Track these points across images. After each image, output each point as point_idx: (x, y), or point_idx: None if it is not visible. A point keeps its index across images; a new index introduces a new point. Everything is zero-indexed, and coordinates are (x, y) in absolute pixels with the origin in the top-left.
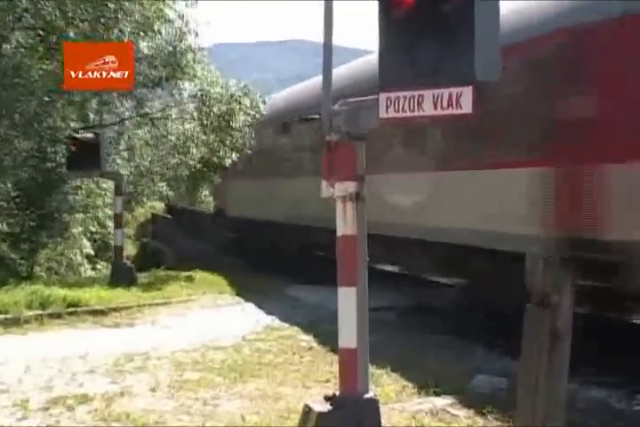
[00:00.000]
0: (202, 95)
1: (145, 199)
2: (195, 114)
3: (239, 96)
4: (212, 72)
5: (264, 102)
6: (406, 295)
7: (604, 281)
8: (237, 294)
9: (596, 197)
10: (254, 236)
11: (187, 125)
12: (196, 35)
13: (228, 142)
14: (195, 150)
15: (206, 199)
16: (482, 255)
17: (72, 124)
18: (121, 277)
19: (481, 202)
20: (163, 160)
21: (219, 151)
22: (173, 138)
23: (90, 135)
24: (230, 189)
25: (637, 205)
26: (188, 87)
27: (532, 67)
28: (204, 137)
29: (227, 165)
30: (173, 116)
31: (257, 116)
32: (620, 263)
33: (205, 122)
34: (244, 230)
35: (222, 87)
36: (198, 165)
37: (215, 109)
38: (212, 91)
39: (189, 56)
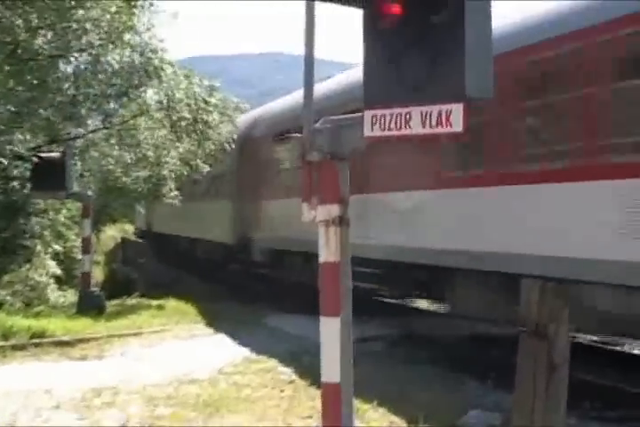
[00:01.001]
0: (169, 100)
1: (116, 218)
2: (164, 121)
3: (206, 95)
4: (177, 75)
5: (238, 109)
6: (394, 324)
7: None
8: (213, 324)
9: None
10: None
11: (156, 133)
12: (161, 41)
13: (203, 148)
14: (166, 160)
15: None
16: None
17: (37, 140)
18: (89, 305)
19: None
20: (133, 173)
21: (193, 160)
22: (143, 149)
23: (55, 154)
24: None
25: None
26: (155, 97)
27: None
28: (177, 144)
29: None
30: (142, 126)
31: (231, 114)
32: None
33: (176, 127)
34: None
35: (187, 88)
36: (172, 176)
37: (184, 113)
38: (177, 95)
39: (156, 62)
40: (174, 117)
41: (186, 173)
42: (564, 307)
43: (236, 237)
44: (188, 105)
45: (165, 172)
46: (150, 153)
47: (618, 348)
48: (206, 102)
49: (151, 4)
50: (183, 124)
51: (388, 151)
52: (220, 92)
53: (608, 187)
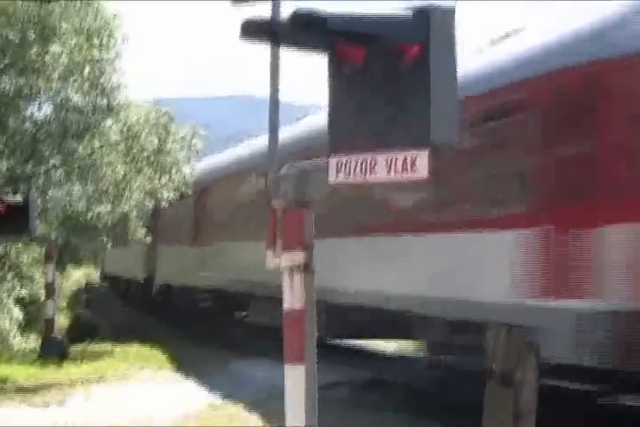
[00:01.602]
0: (128, 130)
1: (81, 261)
2: (124, 154)
3: (165, 124)
4: (136, 107)
5: (198, 135)
6: (359, 369)
7: None
8: (177, 369)
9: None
10: (190, 304)
11: (117, 167)
12: (122, 73)
13: (164, 180)
14: (128, 194)
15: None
16: None
17: None
18: (52, 351)
19: None
20: (94, 210)
21: (155, 192)
22: (105, 185)
23: (18, 197)
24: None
25: None
26: (114, 127)
27: None
28: (138, 177)
29: (165, 205)
30: (103, 162)
31: (192, 144)
32: None
33: (136, 158)
34: (179, 299)
35: (145, 117)
36: (134, 211)
37: (144, 142)
38: (136, 125)
39: (120, 97)
40: (135, 149)
41: (150, 205)
42: (529, 354)
43: (143, 276)
44: (149, 134)
45: (127, 207)
46: (111, 188)
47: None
48: (167, 130)
49: (110, 37)
50: (145, 154)
51: None
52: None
53: None
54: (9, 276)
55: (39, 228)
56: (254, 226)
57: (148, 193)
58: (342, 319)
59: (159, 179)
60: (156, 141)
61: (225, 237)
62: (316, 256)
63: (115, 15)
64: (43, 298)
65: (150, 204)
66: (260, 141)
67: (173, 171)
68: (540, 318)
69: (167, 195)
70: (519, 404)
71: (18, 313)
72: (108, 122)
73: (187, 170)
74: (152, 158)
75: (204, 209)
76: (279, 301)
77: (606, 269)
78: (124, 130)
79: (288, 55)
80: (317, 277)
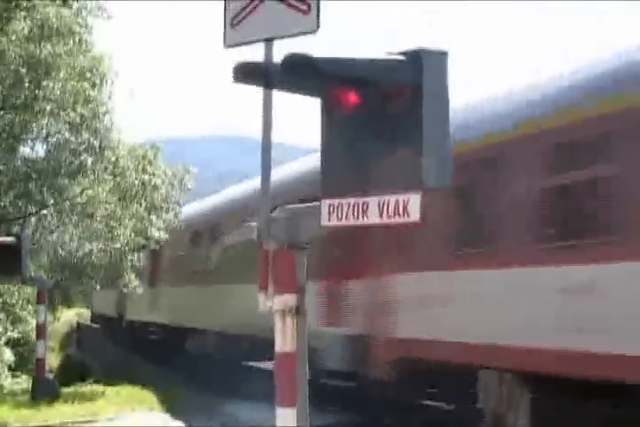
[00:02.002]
0: (114, 167)
1: (70, 301)
2: (113, 191)
3: (151, 158)
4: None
5: (188, 172)
6: (351, 412)
7: None
8: (170, 411)
9: None
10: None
11: (107, 206)
12: (110, 113)
13: (154, 218)
14: (119, 231)
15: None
16: None
17: None
18: (43, 391)
19: None
20: (85, 249)
21: (146, 230)
22: (95, 222)
23: (10, 238)
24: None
25: None
26: (101, 165)
27: None
28: (127, 214)
29: (156, 246)
30: (93, 200)
31: (181, 182)
32: None
33: (125, 195)
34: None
35: (131, 153)
36: (125, 249)
37: (131, 178)
38: (121, 161)
39: (114, 137)
40: (122, 185)
41: (142, 243)
42: (522, 398)
43: (117, 314)
44: (136, 170)
45: (118, 245)
46: (101, 226)
47: None
48: (152, 164)
49: (102, 77)
50: (134, 190)
51: None
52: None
53: None
54: (0, 317)
55: (30, 269)
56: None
57: (139, 232)
58: None
59: (149, 217)
60: (143, 176)
61: (165, 281)
62: None
63: (103, 55)
64: (34, 339)
65: (141, 242)
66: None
67: (163, 209)
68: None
69: (158, 234)
70: None
71: (9, 355)
72: (90, 160)
73: (177, 208)
74: (141, 194)
75: (156, 256)
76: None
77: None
78: (111, 167)
79: (281, 96)
80: None
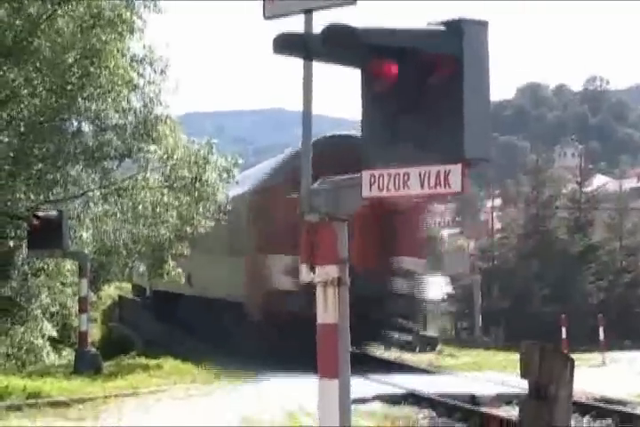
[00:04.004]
0: (168, 158)
1: (113, 278)
2: (162, 180)
3: (205, 155)
4: (176, 134)
5: (237, 165)
6: (392, 383)
7: None
8: (210, 384)
9: None
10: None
11: (156, 193)
12: (161, 104)
13: (200, 207)
14: (166, 218)
15: (174, 272)
16: None
17: (33, 198)
18: (85, 365)
19: None
20: (131, 233)
21: (192, 219)
22: (142, 208)
23: (52, 212)
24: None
25: None
26: (155, 154)
27: None
28: (175, 203)
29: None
30: (141, 185)
31: (229, 174)
32: None
33: (175, 186)
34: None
35: (186, 147)
36: (171, 236)
37: (183, 171)
38: (177, 153)
39: (160, 127)
40: (173, 176)
41: (189, 230)
42: (564, 369)
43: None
44: (188, 163)
45: (164, 231)
46: (148, 213)
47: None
48: (206, 160)
49: (146, 59)
50: (182, 183)
51: None
52: (218, 151)
53: None
54: (43, 292)
55: (73, 244)
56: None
57: (184, 219)
58: None
59: (195, 206)
60: (195, 171)
61: None
62: None
63: (152, 45)
64: (76, 313)
65: (187, 230)
66: None
67: (210, 200)
68: None
69: (203, 222)
70: (554, 418)
71: (50, 329)
72: (152, 147)
73: (222, 198)
74: (190, 187)
75: None
76: None
77: None
78: (165, 157)
79: (322, 68)
80: None
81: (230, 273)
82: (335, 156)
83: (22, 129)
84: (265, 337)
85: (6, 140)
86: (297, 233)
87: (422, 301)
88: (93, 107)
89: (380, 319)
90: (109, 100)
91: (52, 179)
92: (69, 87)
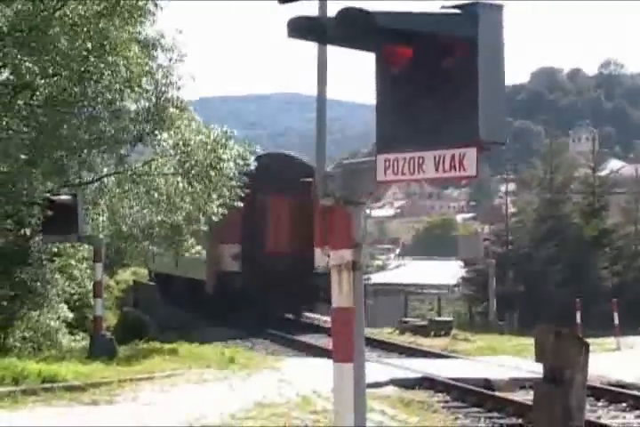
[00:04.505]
0: (183, 145)
1: (128, 263)
2: (177, 167)
3: (222, 142)
4: (193, 121)
5: (253, 152)
6: (407, 368)
7: None
8: (225, 368)
9: None
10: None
11: (170, 179)
12: (178, 88)
13: (215, 195)
14: (180, 205)
15: (194, 249)
16: None
17: (49, 184)
18: (100, 349)
19: None
20: (145, 219)
21: (205, 204)
22: (157, 194)
23: (66, 197)
24: None
25: None
26: (169, 140)
27: None
28: (190, 189)
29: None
30: (156, 171)
31: (244, 162)
32: None
33: (190, 172)
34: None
35: (203, 134)
36: (185, 223)
37: (199, 158)
38: (193, 140)
39: (172, 109)
40: (188, 163)
41: (202, 217)
42: (579, 352)
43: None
44: (204, 150)
45: (179, 217)
46: (163, 199)
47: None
48: (223, 148)
49: (159, 45)
50: (197, 169)
51: None
52: (233, 139)
53: None
54: (58, 276)
55: (88, 229)
56: None
57: (198, 207)
58: None
59: (209, 194)
60: (210, 157)
61: None
62: None
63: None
64: (91, 298)
65: (200, 217)
66: None
67: (225, 188)
68: None
69: (217, 210)
70: (569, 402)
71: (67, 312)
72: (165, 134)
73: (236, 185)
74: (204, 174)
75: None
76: None
77: None
78: (180, 144)
79: (337, 53)
80: None
81: (198, 259)
82: (278, 170)
83: (38, 117)
84: (215, 306)
85: (23, 128)
86: (240, 227)
87: None
88: (109, 95)
89: (309, 293)
90: (124, 86)
91: (68, 165)
92: (85, 75)
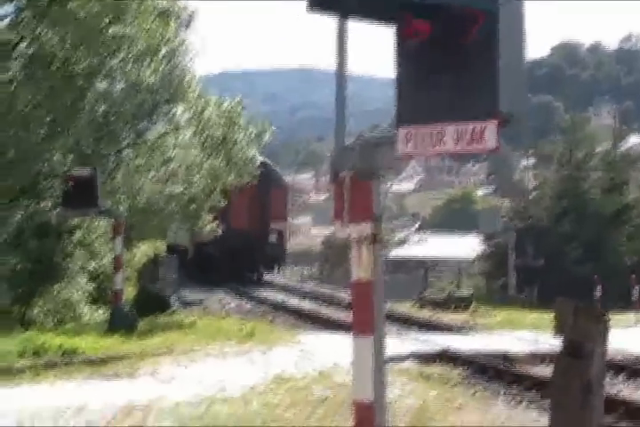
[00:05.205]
0: (198, 118)
1: (147, 236)
2: (192, 139)
3: (234, 114)
4: (207, 94)
5: (270, 125)
6: (427, 342)
7: None
8: (245, 342)
9: None
10: None
11: (187, 151)
12: (194, 59)
13: (232, 165)
14: (197, 177)
15: (209, 226)
16: None
17: (69, 158)
18: (120, 323)
19: None
20: (163, 191)
21: (223, 174)
22: (173, 165)
23: (86, 171)
24: None
25: None
26: (185, 114)
27: None
28: (206, 162)
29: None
30: (172, 143)
31: (258, 132)
32: None
33: (205, 145)
34: None
35: (216, 104)
36: (202, 194)
37: (213, 131)
38: (206, 112)
39: (187, 78)
40: (203, 135)
41: (218, 189)
42: (599, 326)
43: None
44: (218, 122)
45: (196, 190)
46: (180, 170)
47: None
48: (235, 120)
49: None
50: (211, 142)
51: None
52: (248, 111)
53: None
54: (79, 251)
55: (107, 203)
56: None
57: (215, 177)
58: None
59: (226, 164)
60: (224, 130)
61: None
62: None
63: None
64: (111, 272)
65: (216, 186)
66: None
67: (241, 159)
68: None
69: (233, 180)
70: (589, 376)
71: (87, 285)
72: (180, 108)
73: (252, 156)
74: (219, 146)
75: None
76: None
77: None
78: (195, 117)
79: (356, 27)
80: None
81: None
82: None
83: (57, 91)
84: (194, 267)
85: (42, 101)
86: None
87: (284, 248)
88: (127, 66)
89: (259, 258)
90: (142, 57)
91: (86, 138)
92: (104, 46)
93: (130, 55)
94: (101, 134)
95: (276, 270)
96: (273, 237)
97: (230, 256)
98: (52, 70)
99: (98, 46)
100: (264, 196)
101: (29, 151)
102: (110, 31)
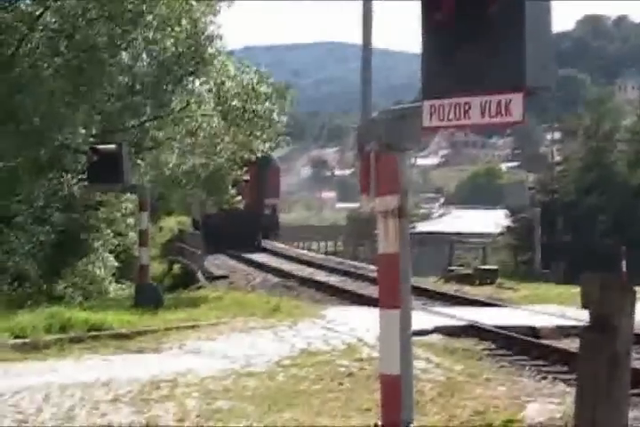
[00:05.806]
0: (219, 90)
1: (172, 210)
2: (214, 109)
3: (255, 83)
4: (227, 65)
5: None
6: (453, 315)
7: None
8: (270, 317)
9: None
10: None
11: (210, 121)
12: (218, 27)
13: (258, 133)
14: (221, 146)
15: (234, 200)
16: None
17: (93, 129)
18: (146, 298)
19: None
20: (187, 163)
21: (249, 144)
22: (198, 135)
23: (111, 146)
24: None
25: None
26: (205, 85)
27: None
28: (230, 131)
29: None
30: (195, 115)
31: (282, 100)
32: None
33: (228, 116)
34: None
35: (237, 76)
36: (226, 164)
37: (235, 102)
38: (227, 83)
39: (210, 50)
40: (224, 107)
41: (245, 157)
42: (625, 299)
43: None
44: (238, 94)
45: (221, 160)
46: (205, 140)
47: None
48: (255, 91)
49: None
50: (234, 113)
51: None
52: (271, 79)
53: None
54: (103, 226)
55: (132, 177)
56: None
57: (242, 145)
58: None
59: (252, 132)
60: (244, 102)
61: None
62: None
63: None
64: (136, 247)
65: (244, 155)
66: None
67: (265, 125)
68: None
69: (261, 147)
70: (615, 349)
71: (112, 261)
72: (202, 79)
73: (278, 124)
74: (240, 118)
75: None
76: None
77: None
78: (214, 89)
79: (381, 1)
80: None
81: (197, 205)
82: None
83: (80, 61)
84: (205, 235)
85: (64, 73)
86: None
87: (277, 219)
88: (149, 34)
89: (257, 228)
90: (168, 28)
91: (110, 110)
92: (126, 16)
93: (151, 25)
94: (124, 106)
95: (272, 238)
96: (268, 211)
97: (232, 226)
98: (75, 42)
99: (119, 17)
100: (261, 175)
101: (54, 119)
102: (131, 2)
